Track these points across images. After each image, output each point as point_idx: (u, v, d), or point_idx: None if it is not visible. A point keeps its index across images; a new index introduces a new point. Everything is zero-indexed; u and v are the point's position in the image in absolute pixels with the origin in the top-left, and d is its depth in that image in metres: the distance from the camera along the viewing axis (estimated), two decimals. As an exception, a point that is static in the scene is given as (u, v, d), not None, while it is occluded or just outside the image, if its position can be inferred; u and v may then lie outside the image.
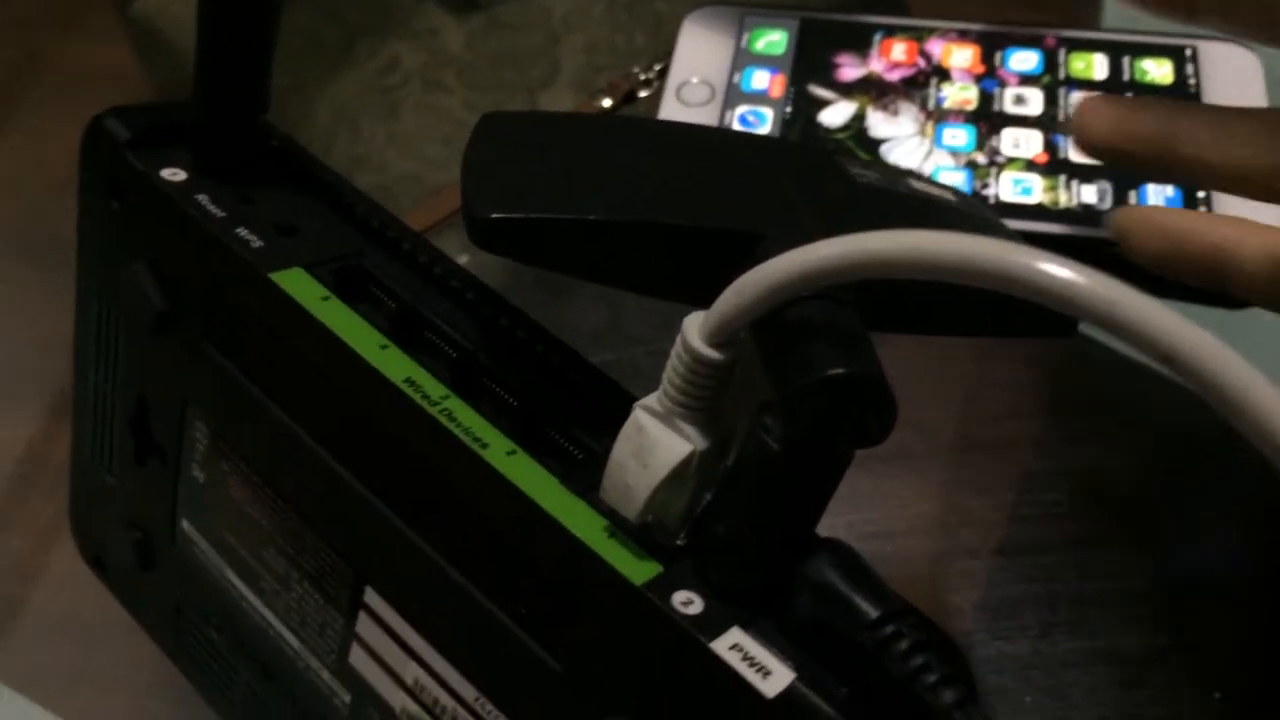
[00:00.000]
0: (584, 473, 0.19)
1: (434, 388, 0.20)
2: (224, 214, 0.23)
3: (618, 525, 0.18)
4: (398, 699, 0.21)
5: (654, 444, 0.17)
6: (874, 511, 0.32)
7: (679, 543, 0.18)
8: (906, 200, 0.23)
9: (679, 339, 0.17)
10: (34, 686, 0.31)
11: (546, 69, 0.48)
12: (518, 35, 0.49)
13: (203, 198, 0.23)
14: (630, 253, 0.20)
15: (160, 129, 0.24)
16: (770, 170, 0.22)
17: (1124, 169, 0.27)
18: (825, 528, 0.17)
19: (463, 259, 0.46)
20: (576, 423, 0.20)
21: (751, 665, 0.17)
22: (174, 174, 0.24)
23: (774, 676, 0.16)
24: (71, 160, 0.24)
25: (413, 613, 0.21)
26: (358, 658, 0.22)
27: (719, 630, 0.17)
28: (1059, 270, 0.13)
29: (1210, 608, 0.30)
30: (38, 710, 0.30)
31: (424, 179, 0.44)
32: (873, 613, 0.16)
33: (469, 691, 0.20)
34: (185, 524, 0.25)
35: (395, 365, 0.20)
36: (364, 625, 0.22)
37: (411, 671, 0.21)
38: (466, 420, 0.20)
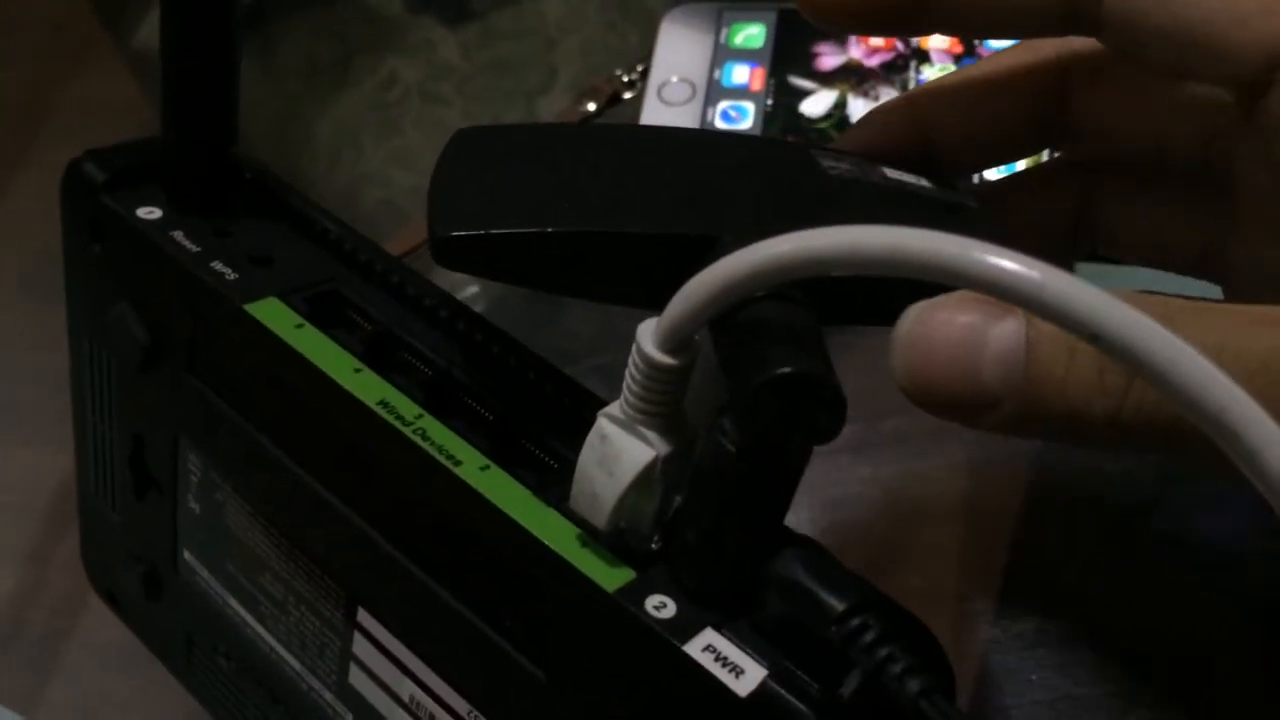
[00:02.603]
0: (558, 483, 0.19)
1: (408, 408, 0.20)
2: (199, 249, 0.23)
3: (590, 534, 0.18)
4: (396, 716, 0.22)
5: (618, 452, 0.18)
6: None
7: (654, 547, 0.18)
8: (877, 192, 0.22)
9: (634, 346, 0.17)
10: (88, 716, 0.32)
11: (544, 74, 0.48)
12: (513, 43, 0.50)
13: (178, 234, 0.23)
14: (592, 264, 0.20)
15: (136, 168, 0.25)
16: (739, 170, 0.22)
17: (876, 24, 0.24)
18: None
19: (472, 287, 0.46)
20: (551, 433, 0.20)
21: (724, 665, 0.17)
22: (150, 212, 0.24)
23: (747, 675, 0.17)
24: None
25: (403, 630, 0.21)
26: (356, 677, 0.22)
27: (692, 632, 0.17)
28: (983, 257, 0.13)
29: (1209, 582, 0.30)
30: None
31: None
32: (838, 606, 0.16)
33: (461, 705, 0.20)
34: (187, 554, 0.26)
35: (369, 388, 0.21)
36: (359, 645, 0.22)
37: (407, 688, 0.21)
38: (440, 438, 0.20)
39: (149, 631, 0.29)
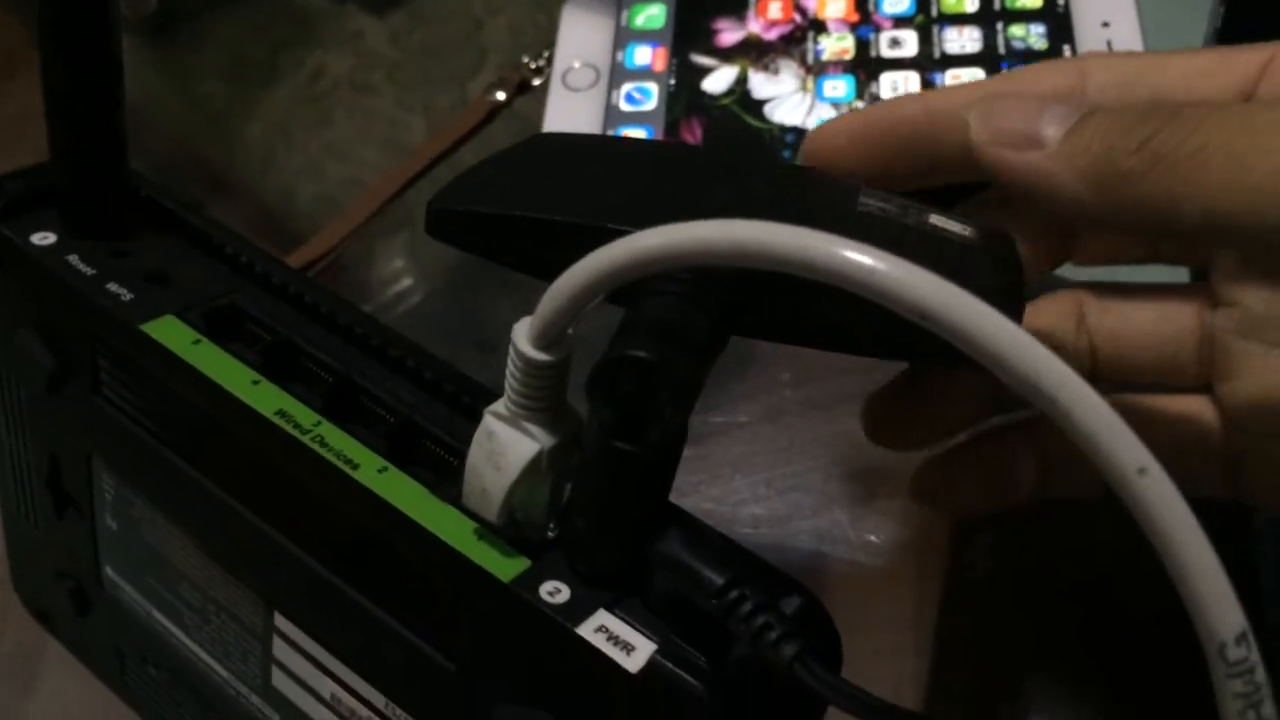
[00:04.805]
0: (457, 480, 0.20)
1: (306, 416, 0.21)
2: (94, 271, 0.23)
3: (486, 527, 0.19)
4: (320, 714, 0.22)
5: (504, 447, 0.18)
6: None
7: (549, 534, 0.19)
8: (891, 229, 0.21)
9: (510, 345, 0.18)
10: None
11: (474, 56, 0.48)
12: (440, 27, 0.50)
13: (73, 258, 0.24)
14: (544, 248, 0.20)
15: (30, 195, 0.25)
16: (758, 195, 0.22)
17: (879, 174, 0.24)
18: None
19: (398, 263, 0.46)
20: (450, 431, 0.21)
21: (616, 644, 0.18)
22: (44, 238, 0.24)
23: (637, 652, 0.17)
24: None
25: (319, 632, 0.22)
26: (279, 679, 0.23)
27: (585, 614, 0.18)
28: (811, 242, 0.14)
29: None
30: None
31: (365, 182, 0.45)
32: (717, 580, 0.17)
33: (378, 699, 0.21)
34: (109, 570, 0.26)
35: (267, 399, 0.21)
36: (279, 648, 0.23)
37: (328, 687, 0.22)
38: (338, 444, 0.20)
39: (82, 647, 0.29)
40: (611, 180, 0.22)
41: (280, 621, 0.22)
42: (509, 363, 0.18)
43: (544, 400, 0.18)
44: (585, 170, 0.23)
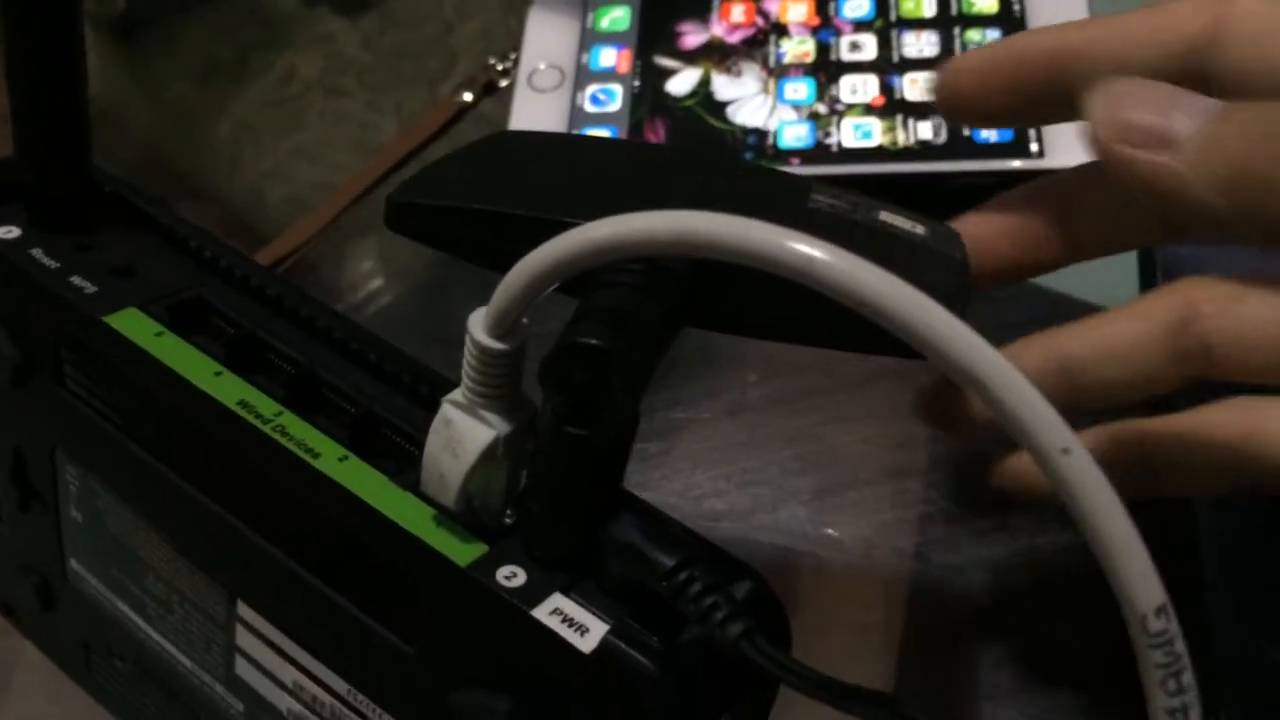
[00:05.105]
0: (416, 468, 0.20)
1: (267, 406, 0.21)
2: (58, 264, 0.24)
3: (444, 513, 0.19)
4: (284, 702, 0.23)
5: (461, 435, 0.19)
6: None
7: (507, 520, 0.20)
8: (839, 225, 0.21)
9: (467, 335, 0.18)
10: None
11: (444, 59, 0.48)
12: (412, 30, 0.50)
13: (36, 252, 0.24)
14: (501, 239, 0.21)
15: (-7, 189, 0.25)
16: (715, 190, 0.22)
17: (1010, 110, 0.24)
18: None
19: (368, 264, 0.46)
20: (410, 421, 0.21)
21: (571, 626, 0.18)
22: (8, 231, 0.24)
23: (590, 633, 0.18)
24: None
25: (281, 619, 0.22)
26: (242, 668, 0.23)
27: (541, 598, 0.18)
28: (747, 229, 0.15)
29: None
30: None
31: (336, 185, 0.45)
32: (667, 563, 0.17)
33: (341, 685, 0.21)
34: (74, 563, 0.26)
35: (228, 390, 0.21)
36: (242, 637, 0.23)
37: (290, 674, 0.22)
38: (299, 433, 0.21)
39: (48, 641, 0.29)
40: (572, 176, 0.23)
41: (243, 610, 0.23)
42: (465, 352, 0.18)
43: (500, 388, 0.19)
44: (546, 166, 0.23)
